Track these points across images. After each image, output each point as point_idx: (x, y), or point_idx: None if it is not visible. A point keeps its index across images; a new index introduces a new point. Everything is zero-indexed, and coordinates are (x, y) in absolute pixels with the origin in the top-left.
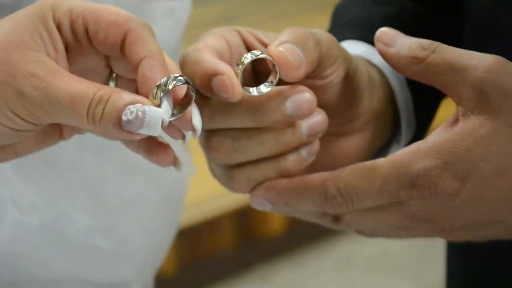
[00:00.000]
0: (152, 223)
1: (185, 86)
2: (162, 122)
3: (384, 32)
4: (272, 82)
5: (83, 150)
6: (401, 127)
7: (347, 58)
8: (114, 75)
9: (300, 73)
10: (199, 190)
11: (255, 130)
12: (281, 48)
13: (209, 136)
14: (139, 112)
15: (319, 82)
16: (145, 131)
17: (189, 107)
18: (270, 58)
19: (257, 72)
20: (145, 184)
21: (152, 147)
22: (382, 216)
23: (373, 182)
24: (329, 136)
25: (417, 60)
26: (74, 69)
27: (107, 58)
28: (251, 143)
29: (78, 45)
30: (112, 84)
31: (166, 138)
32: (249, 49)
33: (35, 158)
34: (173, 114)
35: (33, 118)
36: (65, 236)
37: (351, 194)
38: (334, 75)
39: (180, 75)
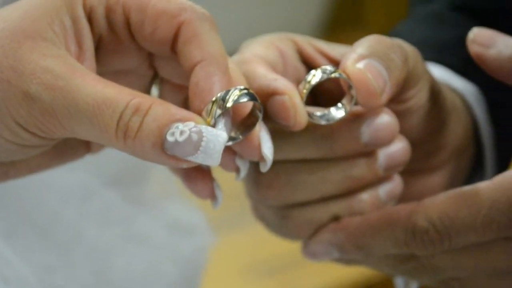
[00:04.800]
0: None
1: (250, 103)
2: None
3: (481, 33)
4: (345, 106)
5: (84, 216)
6: (484, 162)
7: (430, 77)
8: (158, 78)
9: (383, 100)
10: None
11: (318, 162)
12: (360, 66)
13: (259, 169)
14: (193, 134)
15: (399, 107)
16: (200, 159)
17: (254, 130)
18: (346, 79)
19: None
20: (158, 256)
21: (191, 172)
22: (484, 259)
23: (476, 211)
24: (407, 173)
25: None
26: (106, 71)
27: (151, 56)
28: (313, 178)
29: (115, 39)
30: (155, 89)
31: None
32: (307, 63)
33: (29, 225)
34: (231, 138)
35: (42, 130)
36: None
37: (448, 227)
38: (417, 98)
39: (245, 88)
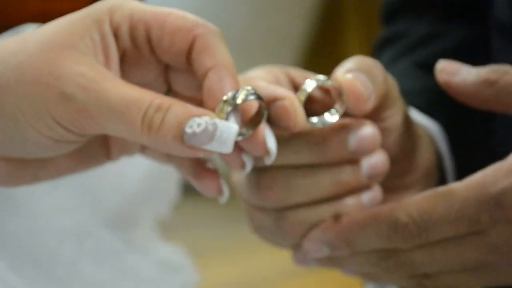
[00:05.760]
0: None
1: (256, 102)
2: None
3: (447, 63)
4: (338, 111)
5: (81, 253)
6: None
7: (404, 104)
8: (172, 92)
9: (369, 106)
10: None
11: (310, 168)
12: (349, 76)
13: (259, 173)
14: (209, 125)
15: (378, 125)
16: (215, 147)
17: (260, 127)
18: (337, 86)
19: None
20: None
21: (200, 171)
22: (455, 252)
23: (450, 206)
24: (383, 190)
25: (488, 83)
26: (128, 82)
27: (166, 71)
28: (306, 182)
29: (137, 53)
30: None
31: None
32: (297, 89)
33: (31, 262)
34: (240, 134)
35: (77, 126)
36: None
37: (426, 221)
38: (394, 119)
39: (252, 89)
